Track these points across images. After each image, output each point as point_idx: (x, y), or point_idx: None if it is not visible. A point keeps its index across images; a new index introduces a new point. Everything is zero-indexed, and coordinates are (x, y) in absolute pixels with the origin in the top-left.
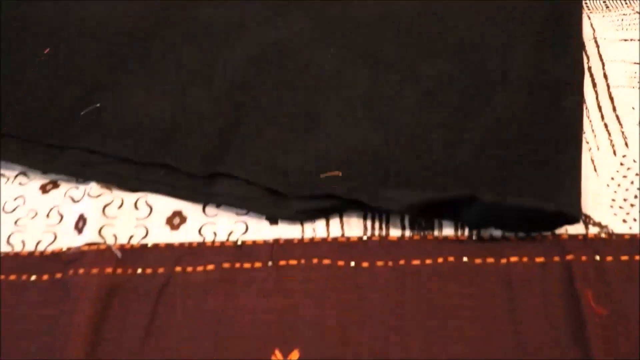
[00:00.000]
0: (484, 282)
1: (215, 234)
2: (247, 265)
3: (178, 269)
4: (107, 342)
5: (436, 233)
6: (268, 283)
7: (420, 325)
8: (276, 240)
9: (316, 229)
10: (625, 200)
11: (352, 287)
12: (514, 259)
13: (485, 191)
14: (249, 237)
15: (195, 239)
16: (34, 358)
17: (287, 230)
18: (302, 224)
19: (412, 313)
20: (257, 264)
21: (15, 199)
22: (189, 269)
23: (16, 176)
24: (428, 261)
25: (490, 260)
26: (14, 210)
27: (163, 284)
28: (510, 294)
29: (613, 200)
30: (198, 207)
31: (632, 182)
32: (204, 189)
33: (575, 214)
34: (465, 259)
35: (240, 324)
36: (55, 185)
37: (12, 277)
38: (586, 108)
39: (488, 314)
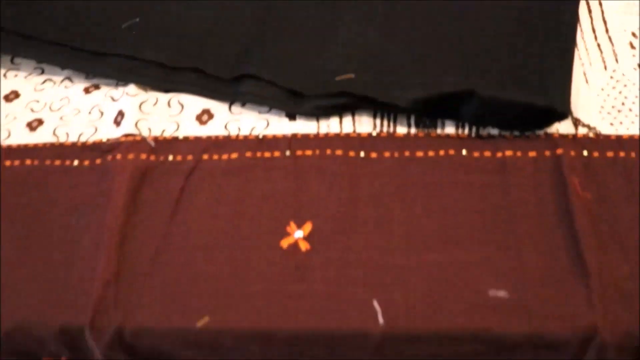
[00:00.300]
0: (480, 171)
1: (239, 129)
2: (267, 154)
3: (205, 156)
4: (139, 214)
5: (439, 131)
6: (285, 169)
7: (421, 203)
8: (294, 135)
9: (330, 125)
10: (613, 107)
11: (362, 172)
12: (509, 152)
13: (483, 87)
14: (270, 132)
15: (222, 132)
16: (76, 228)
17: (304, 126)
18: (317, 121)
19: (415, 194)
20: (276, 154)
21: (61, 100)
22: (215, 157)
23: (62, 80)
24: (431, 153)
25: (487, 153)
26: (59, 108)
27: (191, 169)
28: (504, 181)
29: (602, 107)
30: (225, 106)
31: (620, 92)
32: (231, 89)
33: (564, 110)
34: (464, 152)
35: (259, 202)
36: (96, 87)
37: (57, 162)
38: (581, 30)
39: (483, 197)
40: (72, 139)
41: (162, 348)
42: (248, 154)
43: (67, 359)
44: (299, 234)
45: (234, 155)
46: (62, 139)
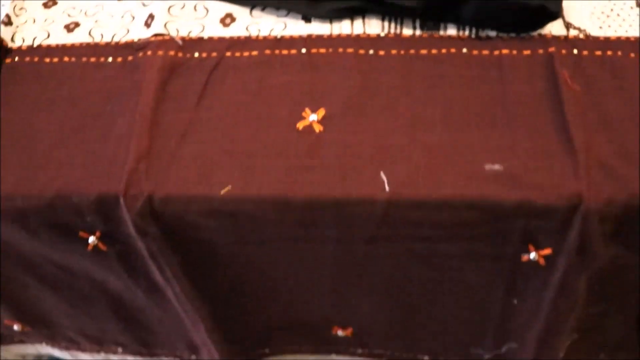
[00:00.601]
0: (478, 66)
1: (259, 30)
2: (284, 52)
3: (228, 53)
4: (168, 102)
5: (441, 33)
6: (301, 64)
7: (425, 93)
8: (309, 35)
9: (342, 27)
10: (602, 12)
11: (371, 67)
12: (505, 51)
13: None
14: (287, 33)
15: (243, 33)
16: (110, 113)
17: (319, 28)
18: (331, 23)
19: (419, 85)
20: (293, 51)
21: (95, 6)
22: (237, 53)
23: None
24: (434, 51)
25: (485, 52)
26: (94, 14)
27: (215, 63)
28: (500, 74)
29: (592, 12)
30: (246, 10)
31: None
32: None
33: (556, 10)
34: (464, 50)
35: (277, 91)
36: None
37: (93, 59)
38: None
39: (481, 88)
40: (106, 39)
41: (188, 217)
42: (267, 51)
43: (102, 233)
44: (313, 117)
45: (255, 53)
46: (97, 39)
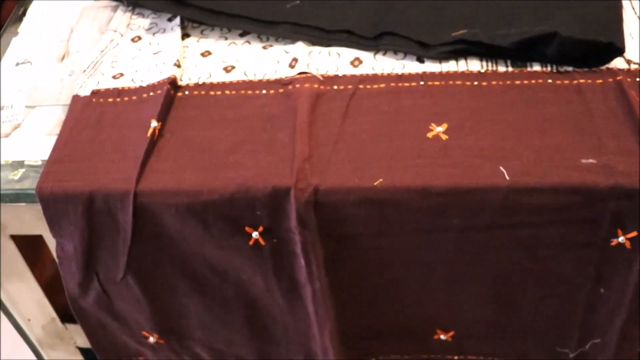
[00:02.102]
0: (562, 91)
1: (383, 69)
2: (406, 84)
3: (361, 86)
4: (320, 120)
5: (529, 69)
6: (421, 92)
7: (523, 111)
8: (424, 72)
9: (449, 66)
10: None
11: (477, 94)
12: (582, 80)
13: (563, 31)
14: (406, 71)
15: (370, 72)
16: (271, 130)
17: (431, 67)
18: (440, 63)
19: (517, 107)
20: (413, 83)
21: (246, 55)
22: (368, 86)
23: (242, 44)
24: (525, 82)
25: (566, 81)
26: (245, 60)
27: (352, 93)
28: (581, 97)
29: None
30: (370, 54)
31: None
32: (374, 43)
33: (621, 45)
34: (549, 80)
35: (405, 112)
36: (271, 46)
37: (250, 92)
38: None
39: (567, 107)
40: (259, 77)
41: (344, 208)
42: (392, 84)
43: (264, 228)
44: (439, 129)
45: (382, 85)
46: (251, 77)
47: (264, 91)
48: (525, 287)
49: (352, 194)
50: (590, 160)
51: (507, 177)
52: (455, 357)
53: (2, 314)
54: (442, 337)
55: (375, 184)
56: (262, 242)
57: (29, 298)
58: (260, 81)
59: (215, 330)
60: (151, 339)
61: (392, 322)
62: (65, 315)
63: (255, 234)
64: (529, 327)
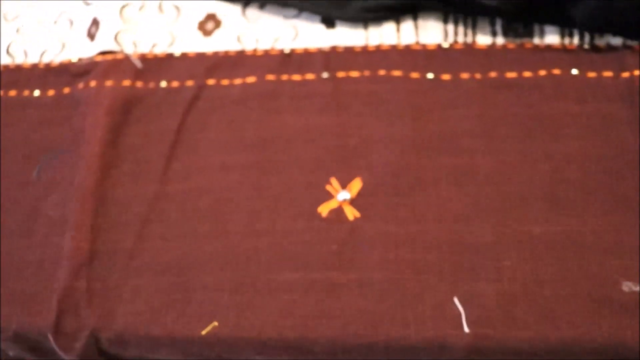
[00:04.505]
0: (599, 98)
1: (257, 40)
2: (296, 77)
3: (211, 81)
4: (122, 166)
5: (536, 41)
6: (322, 98)
7: (514, 147)
8: (333, 48)
9: (383, 35)
10: None
11: (430, 103)
12: (637, 72)
13: None
14: (300, 45)
15: (233, 46)
16: (36, 187)
17: (347, 36)
18: (365, 28)
19: (505, 133)
20: (309, 76)
21: (19, 7)
22: (225, 81)
23: None
24: (527, 74)
25: (607, 73)
26: (15, 17)
27: (192, 99)
28: (634, 111)
29: None
30: (237, 9)
31: None
32: None
33: None
34: (574, 71)
35: (289, 146)
36: None
37: (12, 92)
38: None
39: (606, 136)
40: (33, 59)
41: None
42: (270, 76)
43: None
44: (343, 195)
45: (251, 79)
46: (19, 59)
47: (37, 92)
48: None
49: (162, 347)
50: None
51: (466, 329)
52: None
53: None
54: None
55: (203, 332)
56: None
57: None
58: (34, 67)
59: None
60: None
61: None
62: None
63: None
64: None
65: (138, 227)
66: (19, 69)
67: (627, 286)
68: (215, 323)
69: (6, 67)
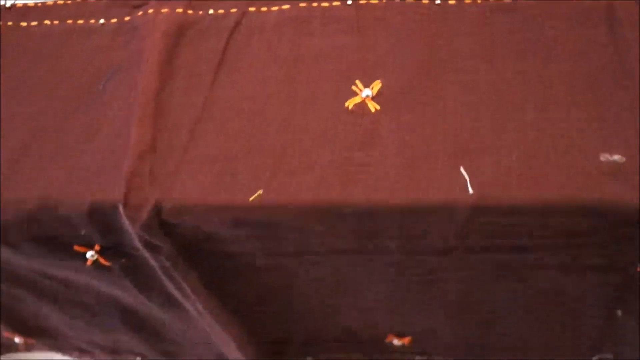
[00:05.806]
0: (584, 17)
1: None
2: (325, 4)
3: (252, 8)
4: (176, 79)
5: None
6: (347, 21)
7: (512, 64)
8: None
9: None
10: None
11: (439, 25)
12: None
13: None
14: None
15: None
16: (102, 96)
17: None
18: None
19: (505, 53)
20: (336, 3)
21: None
22: (263, 8)
23: None
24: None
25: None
26: None
27: (235, 24)
28: (612, 30)
29: None
30: None
31: None
32: None
33: None
34: None
35: (317, 62)
36: None
37: (80, 21)
38: None
39: (589, 53)
40: None
41: (210, 228)
42: (302, 3)
43: (102, 246)
44: (367, 92)
45: (286, 6)
46: None
47: (102, 20)
48: (509, 306)
49: (214, 214)
50: (615, 157)
51: (471, 190)
52: (417, 358)
53: None
54: (396, 342)
55: (250, 199)
56: (105, 262)
57: None
58: (98, 0)
59: (93, 331)
60: (17, 340)
61: (327, 331)
62: None
63: (90, 254)
64: (521, 344)
65: (191, 126)
66: (85, 1)
67: (605, 157)
68: (260, 191)
69: (74, 0)
